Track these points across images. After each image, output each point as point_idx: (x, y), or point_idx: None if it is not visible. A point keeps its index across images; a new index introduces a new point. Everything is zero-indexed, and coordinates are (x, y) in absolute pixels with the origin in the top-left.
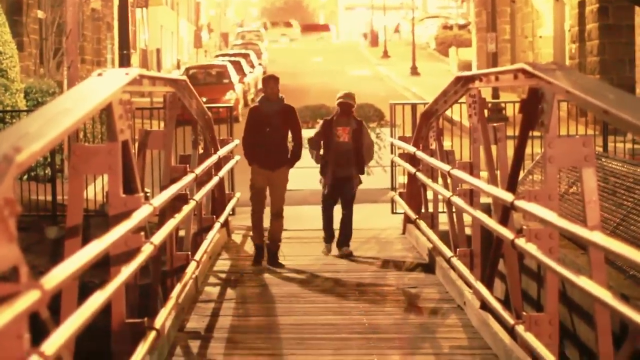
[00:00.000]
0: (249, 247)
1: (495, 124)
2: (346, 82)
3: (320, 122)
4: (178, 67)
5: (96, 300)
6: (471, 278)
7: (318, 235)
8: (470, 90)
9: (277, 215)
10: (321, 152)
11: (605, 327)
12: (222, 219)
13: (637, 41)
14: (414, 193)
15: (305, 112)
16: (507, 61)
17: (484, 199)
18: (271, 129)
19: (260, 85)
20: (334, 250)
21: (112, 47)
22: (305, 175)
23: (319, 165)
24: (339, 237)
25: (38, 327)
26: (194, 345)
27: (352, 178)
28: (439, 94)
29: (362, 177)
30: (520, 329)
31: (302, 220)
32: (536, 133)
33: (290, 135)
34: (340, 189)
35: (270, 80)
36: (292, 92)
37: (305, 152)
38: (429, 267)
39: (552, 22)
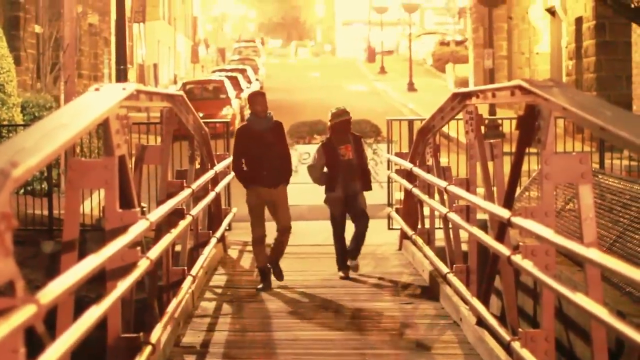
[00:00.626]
0: (245, 262)
1: (492, 141)
2: (343, 98)
3: (318, 146)
4: (175, 82)
5: (92, 315)
6: (467, 294)
7: (314, 251)
8: (467, 106)
9: (286, 230)
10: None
11: (602, 344)
12: (218, 234)
13: (634, 58)
14: (410, 209)
15: (302, 127)
16: (504, 77)
17: (480, 215)
18: (266, 147)
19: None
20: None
21: (109, 62)
22: (302, 190)
23: (311, 181)
24: (349, 248)
25: (34, 341)
26: None
27: (359, 193)
28: (435, 110)
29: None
30: (516, 345)
31: (299, 236)
32: (533, 150)
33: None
34: (349, 206)
35: (259, 97)
36: (289, 107)
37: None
38: (425, 284)
39: (549, 38)
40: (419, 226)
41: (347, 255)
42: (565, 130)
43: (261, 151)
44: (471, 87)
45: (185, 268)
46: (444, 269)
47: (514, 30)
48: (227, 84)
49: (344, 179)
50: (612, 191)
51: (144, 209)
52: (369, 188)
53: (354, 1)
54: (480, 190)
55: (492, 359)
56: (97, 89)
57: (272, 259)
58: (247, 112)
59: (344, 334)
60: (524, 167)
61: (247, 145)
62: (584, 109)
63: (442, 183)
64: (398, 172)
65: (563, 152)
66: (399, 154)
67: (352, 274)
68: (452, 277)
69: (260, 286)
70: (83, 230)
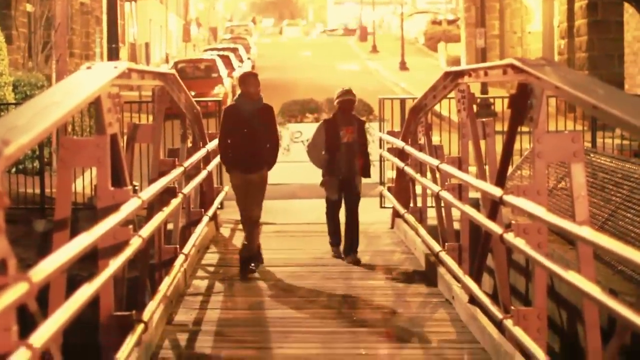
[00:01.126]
0: (237, 241)
1: (484, 119)
2: (335, 77)
3: (319, 124)
4: (167, 61)
5: (84, 293)
6: (460, 272)
7: (306, 229)
8: (459, 85)
9: (254, 221)
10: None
11: (594, 322)
12: (210, 212)
13: (626, 37)
14: (402, 187)
15: (293, 106)
16: (496, 56)
17: (472, 194)
18: (250, 130)
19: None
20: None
21: (100, 40)
22: (294, 169)
23: (302, 159)
24: (345, 243)
25: (26, 319)
26: (182, 338)
27: (355, 177)
28: (428, 89)
29: None
30: (508, 323)
31: (291, 214)
32: (525, 128)
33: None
34: (345, 190)
35: (251, 78)
36: (281, 86)
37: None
38: (417, 262)
39: (541, 18)
40: (411, 205)
41: (345, 250)
42: (557, 109)
43: (245, 135)
44: (463, 66)
45: (178, 246)
46: (437, 247)
47: (506, 10)
48: (219, 63)
49: (343, 162)
50: (604, 170)
51: (136, 187)
52: (367, 175)
53: None
54: (472, 169)
55: (485, 337)
56: (88, 68)
57: (246, 255)
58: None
59: (336, 312)
60: (516, 146)
61: (232, 126)
62: (577, 88)
63: (434, 161)
64: (390, 150)
65: (555, 131)
66: (391, 133)
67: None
68: (444, 256)
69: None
70: (75, 209)
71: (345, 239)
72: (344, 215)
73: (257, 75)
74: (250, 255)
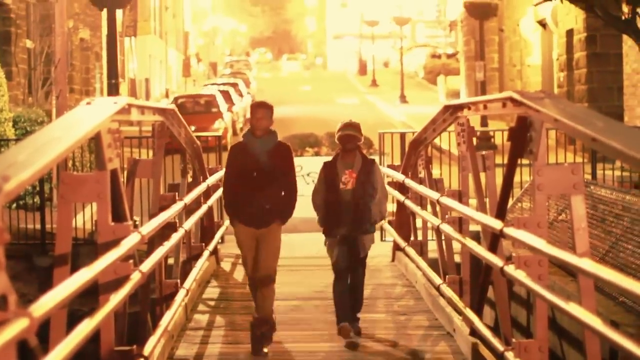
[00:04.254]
0: (238, 275)
1: (483, 152)
2: (335, 111)
3: (322, 166)
4: (167, 96)
5: (85, 328)
6: (461, 305)
7: (307, 263)
8: (459, 118)
9: (267, 281)
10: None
11: (595, 354)
12: (211, 247)
13: (625, 69)
14: (403, 221)
15: (293, 140)
16: (496, 89)
17: (473, 227)
18: (260, 174)
19: (249, 115)
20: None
21: (100, 76)
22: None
23: (304, 192)
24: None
25: (27, 355)
26: None
27: (362, 237)
28: (427, 122)
29: None
30: (509, 355)
31: (292, 248)
32: (525, 161)
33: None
34: (349, 250)
35: (260, 109)
36: (281, 120)
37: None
38: (418, 294)
39: (540, 50)
40: (412, 238)
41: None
42: (557, 142)
43: (254, 180)
44: (463, 99)
45: (178, 281)
46: (437, 280)
47: (505, 43)
48: (219, 98)
49: (345, 216)
50: (604, 202)
51: (137, 222)
52: (366, 232)
53: (345, 15)
54: (473, 201)
55: None
56: (88, 103)
57: (255, 324)
58: (239, 126)
59: (338, 346)
60: (516, 179)
61: (238, 169)
62: (576, 120)
63: (435, 195)
64: (390, 184)
65: (555, 164)
66: (391, 166)
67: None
68: (445, 288)
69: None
70: (75, 244)
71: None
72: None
73: (269, 105)
74: (263, 330)
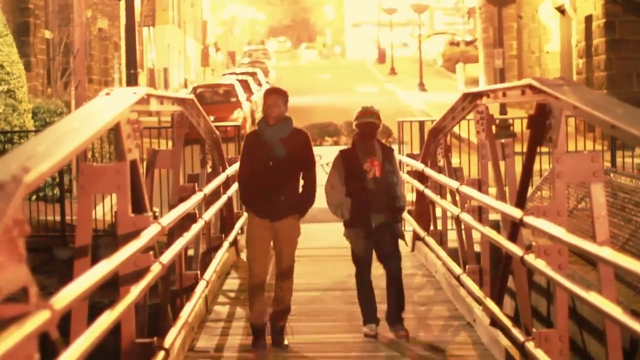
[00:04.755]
0: None
1: (503, 140)
2: (354, 99)
3: (335, 156)
4: (185, 85)
5: (105, 320)
6: (481, 295)
7: (327, 254)
8: (478, 106)
9: (286, 275)
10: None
11: (616, 343)
12: (230, 238)
13: None
14: (422, 210)
15: (312, 129)
16: (514, 77)
17: (492, 216)
18: (275, 164)
19: None
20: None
21: (119, 66)
22: None
23: (324, 182)
24: (388, 310)
25: (48, 347)
26: None
27: (390, 225)
28: (446, 110)
29: None
30: (530, 345)
31: (311, 238)
32: (544, 149)
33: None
34: (376, 242)
35: (272, 95)
36: (299, 109)
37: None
38: (438, 284)
39: (559, 37)
40: (432, 227)
41: (390, 318)
42: (577, 129)
43: (271, 170)
44: (482, 87)
45: (198, 272)
46: (457, 270)
47: (523, 30)
48: (238, 87)
49: (370, 206)
50: (624, 189)
51: (156, 213)
52: (397, 220)
53: (363, 3)
54: (492, 190)
55: None
56: (107, 94)
57: (275, 317)
58: (258, 115)
59: (359, 337)
60: (536, 167)
61: (253, 159)
62: (595, 107)
63: (454, 184)
64: (410, 173)
65: (574, 151)
66: (411, 155)
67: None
68: (465, 278)
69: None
70: (95, 236)
71: (388, 305)
72: (385, 276)
73: (282, 91)
74: (282, 324)
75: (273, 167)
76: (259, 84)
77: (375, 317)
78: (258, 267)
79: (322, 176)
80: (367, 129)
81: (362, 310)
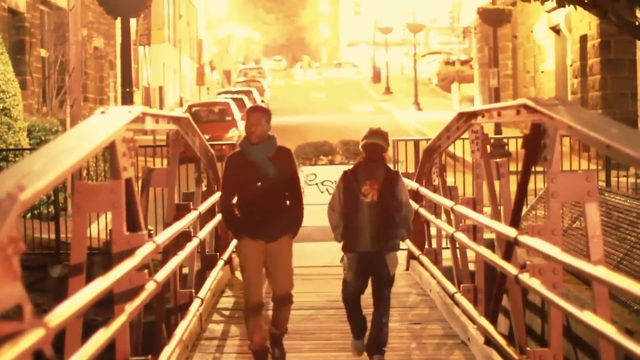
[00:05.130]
0: None
1: (498, 160)
2: (349, 118)
3: (339, 177)
4: (181, 104)
5: (100, 338)
6: (475, 313)
7: (321, 272)
8: (473, 125)
9: (284, 301)
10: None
11: None
12: (225, 256)
13: (639, 75)
14: (417, 229)
15: (307, 148)
16: (509, 96)
17: (487, 235)
18: (264, 183)
19: None
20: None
21: (114, 85)
22: (308, 211)
23: (318, 201)
24: (369, 339)
25: None
26: None
27: (385, 255)
28: (441, 129)
29: None
30: None
31: (306, 257)
32: (539, 168)
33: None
34: (369, 270)
35: (254, 114)
36: (295, 128)
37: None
38: (432, 303)
39: (554, 57)
40: (426, 246)
41: (368, 347)
42: (571, 149)
43: (259, 190)
44: (477, 106)
45: (193, 290)
46: (452, 288)
47: (519, 49)
48: (233, 106)
49: (366, 231)
50: (618, 209)
51: (151, 231)
52: (391, 249)
53: (359, 22)
54: (487, 209)
55: None
56: (103, 112)
57: (273, 339)
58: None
59: (352, 356)
60: (530, 186)
61: (237, 180)
62: (590, 127)
63: (449, 203)
64: None
65: (569, 171)
66: (405, 174)
67: None
68: (459, 297)
69: None
70: (90, 254)
71: (370, 334)
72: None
73: (265, 109)
74: (272, 346)
75: (262, 187)
76: (255, 103)
77: (361, 334)
78: (255, 289)
79: (316, 195)
80: (372, 150)
81: (352, 327)
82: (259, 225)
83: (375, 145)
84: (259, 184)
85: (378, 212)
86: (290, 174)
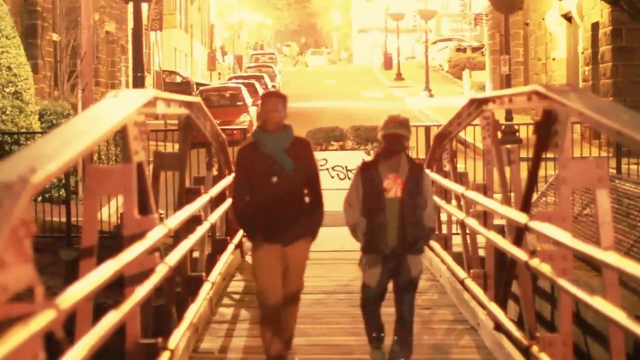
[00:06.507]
0: None
1: (508, 146)
2: (360, 105)
3: (356, 170)
4: None
5: (110, 321)
6: (485, 299)
7: (332, 257)
8: (484, 112)
9: (293, 299)
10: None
11: (619, 348)
12: (235, 240)
13: None
14: None
15: (318, 134)
16: (521, 83)
17: (497, 221)
18: (281, 179)
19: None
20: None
21: (126, 69)
22: None
23: (329, 186)
24: (394, 344)
25: (53, 346)
26: None
27: (409, 254)
28: (452, 116)
29: None
30: (534, 349)
31: (316, 242)
32: (550, 155)
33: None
34: (391, 272)
35: (270, 99)
36: (306, 114)
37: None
38: (442, 288)
39: (566, 44)
40: (437, 232)
41: (392, 353)
42: (582, 136)
43: (273, 187)
44: (488, 93)
45: (204, 274)
46: (462, 274)
47: (530, 36)
48: (244, 91)
49: (390, 230)
50: (629, 196)
51: (162, 215)
52: (417, 251)
53: (370, 8)
54: (497, 195)
55: None
56: (115, 96)
57: (284, 342)
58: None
59: (362, 339)
60: (541, 173)
61: (250, 175)
62: (601, 113)
63: (459, 188)
64: None
65: (580, 157)
66: (417, 160)
67: None
68: (469, 282)
69: None
70: (101, 237)
71: (395, 339)
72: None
73: (282, 95)
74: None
75: (278, 183)
76: (266, 88)
77: (380, 340)
78: (272, 298)
79: (326, 180)
80: (393, 141)
81: (368, 334)
82: (275, 226)
83: (395, 135)
84: (275, 179)
85: (403, 209)
86: (309, 169)
